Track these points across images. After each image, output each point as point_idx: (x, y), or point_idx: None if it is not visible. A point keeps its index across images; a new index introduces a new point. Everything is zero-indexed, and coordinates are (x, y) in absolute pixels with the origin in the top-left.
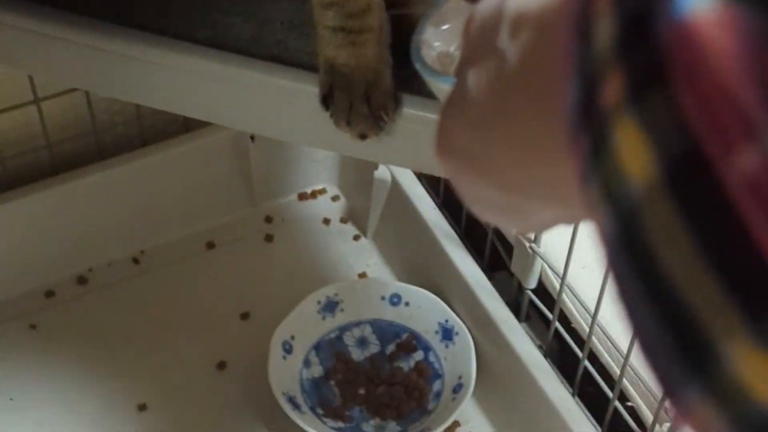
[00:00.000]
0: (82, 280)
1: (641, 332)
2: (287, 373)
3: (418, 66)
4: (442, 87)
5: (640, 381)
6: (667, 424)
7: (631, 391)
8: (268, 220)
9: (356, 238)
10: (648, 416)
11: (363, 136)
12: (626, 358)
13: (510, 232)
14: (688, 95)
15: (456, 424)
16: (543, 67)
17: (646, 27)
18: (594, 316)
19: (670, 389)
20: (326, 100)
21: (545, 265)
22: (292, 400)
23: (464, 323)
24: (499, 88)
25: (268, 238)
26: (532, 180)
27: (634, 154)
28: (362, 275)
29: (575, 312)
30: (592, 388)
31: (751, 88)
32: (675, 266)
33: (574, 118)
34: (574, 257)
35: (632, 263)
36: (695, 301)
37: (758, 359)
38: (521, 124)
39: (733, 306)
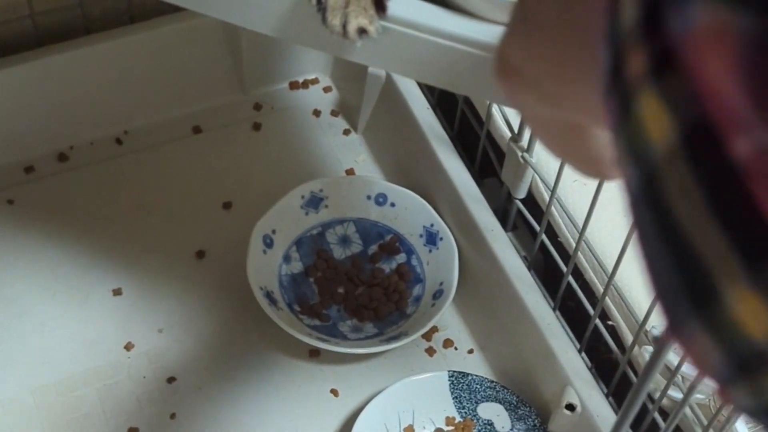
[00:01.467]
0: (63, 158)
1: (655, 272)
2: (266, 268)
3: None
4: None
5: (623, 301)
6: (647, 347)
7: (614, 311)
8: (257, 107)
9: (346, 132)
10: (628, 337)
11: (362, 31)
12: (611, 277)
13: (578, 169)
14: (693, 85)
15: (434, 329)
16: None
17: (661, 16)
18: (582, 232)
19: (674, 322)
20: None
21: (536, 176)
22: (269, 295)
23: (449, 228)
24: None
25: (256, 126)
26: (581, 96)
27: (655, 120)
28: (350, 171)
29: (563, 226)
30: (574, 304)
31: (740, 91)
32: (687, 218)
33: (606, 80)
34: (566, 169)
35: (651, 212)
36: (703, 248)
37: (753, 300)
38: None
39: (734, 254)
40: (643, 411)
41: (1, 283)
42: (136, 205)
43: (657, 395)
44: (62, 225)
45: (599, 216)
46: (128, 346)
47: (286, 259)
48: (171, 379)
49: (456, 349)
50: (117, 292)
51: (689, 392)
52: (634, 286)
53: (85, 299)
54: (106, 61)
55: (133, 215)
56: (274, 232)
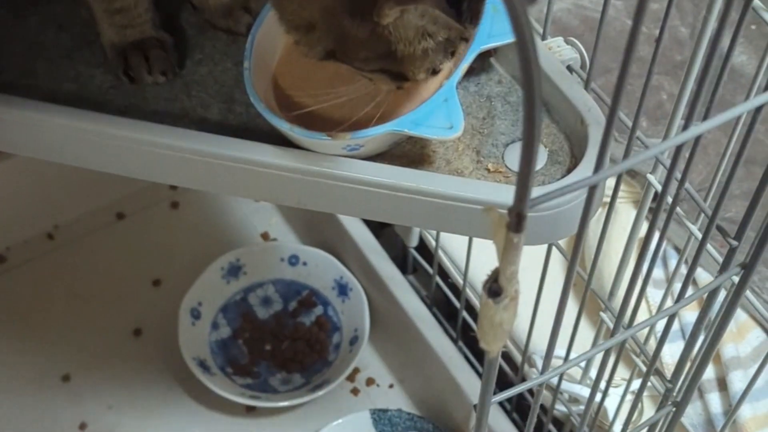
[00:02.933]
0: (1, 259)
1: None
2: (197, 338)
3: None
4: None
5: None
6: (534, 369)
7: (510, 347)
8: (173, 187)
9: (257, 200)
10: (518, 359)
11: (163, 74)
12: None
13: None
14: None
15: (356, 370)
16: None
17: None
18: (465, 273)
19: None
20: (126, 72)
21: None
22: (202, 363)
23: (357, 279)
24: None
25: (174, 205)
26: None
27: None
28: (264, 235)
29: (451, 268)
30: (474, 334)
31: None
32: None
33: None
34: None
35: None
36: None
37: None
38: None
39: None
40: (540, 425)
41: None
42: (74, 293)
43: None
44: (6, 322)
45: (479, 256)
46: (82, 426)
47: (214, 326)
48: None
49: (378, 386)
50: (66, 378)
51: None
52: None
53: (37, 389)
54: (28, 168)
55: (72, 303)
56: (200, 304)
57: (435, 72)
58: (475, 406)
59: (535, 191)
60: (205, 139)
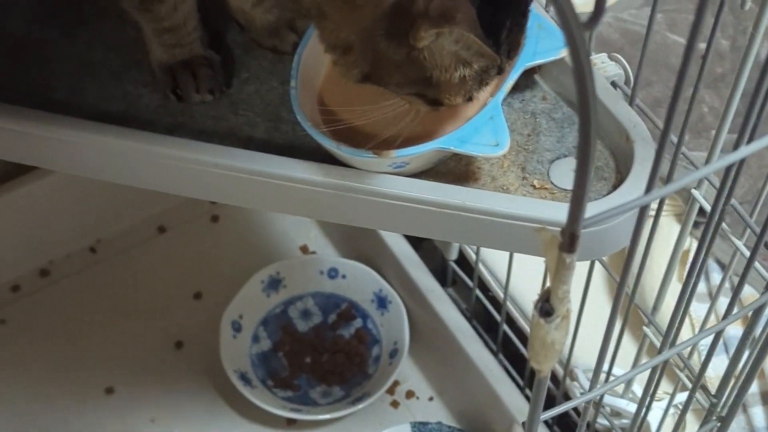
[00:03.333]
0: (44, 273)
1: None
2: (238, 351)
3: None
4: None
5: None
6: (575, 383)
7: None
8: (213, 201)
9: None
10: (560, 372)
11: (210, 92)
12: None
13: None
14: None
15: (396, 383)
16: None
17: None
18: (506, 286)
19: None
20: (174, 91)
21: None
22: (243, 376)
23: (396, 292)
24: None
25: (214, 218)
26: None
27: None
28: (303, 248)
29: (492, 281)
30: (514, 347)
31: None
32: None
33: None
34: None
35: None
36: None
37: None
38: None
39: None
40: None
41: (2, 398)
42: (116, 306)
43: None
44: (51, 335)
45: (519, 270)
46: None
47: (255, 339)
48: None
49: (418, 398)
50: (109, 391)
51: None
52: None
53: (81, 401)
54: (73, 182)
55: (114, 317)
56: (241, 317)
57: (470, 99)
58: (523, 423)
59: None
60: (251, 158)
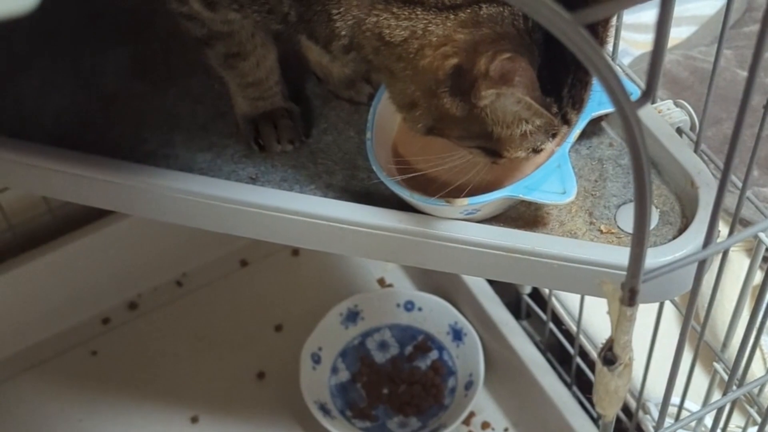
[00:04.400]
0: (133, 306)
1: None
2: (317, 382)
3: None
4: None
5: None
6: (648, 416)
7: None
8: (293, 245)
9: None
10: (632, 403)
11: (291, 142)
12: None
13: None
14: None
15: (471, 414)
16: None
17: None
18: (579, 319)
19: None
20: (257, 141)
21: None
22: (323, 407)
23: (471, 324)
24: None
25: (295, 252)
26: None
27: None
28: (381, 280)
29: (564, 315)
30: (587, 379)
31: None
32: None
33: None
34: None
35: None
36: None
37: None
38: None
39: None
40: None
41: (93, 427)
42: (200, 338)
43: None
44: (139, 365)
45: (591, 302)
46: None
47: (334, 370)
48: None
49: (493, 429)
50: (194, 420)
51: None
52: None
53: (166, 430)
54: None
55: (199, 348)
56: (320, 349)
57: (536, 151)
58: None
59: (648, 255)
60: (330, 205)
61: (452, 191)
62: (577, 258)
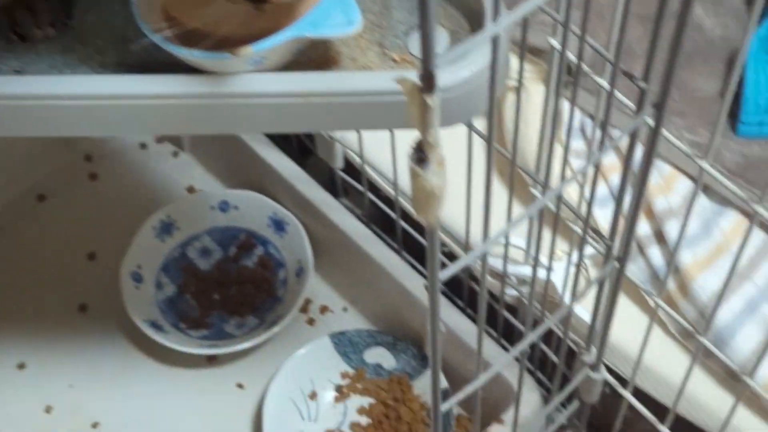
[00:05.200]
0: None
1: None
2: (143, 301)
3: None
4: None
5: (450, 233)
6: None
7: (453, 246)
8: (88, 158)
9: (175, 154)
10: (460, 254)
11: (52, 25)
12: None
13: None
14: None
15: (308, 301)
16: None
17: None
18: (395, 181)
19: None
20: (14, 31)
21: (344, 147)
22: (154, 324)
23: (291, 212)
24: None
25: (92, 176)
26: None
27: None
28: (190, 189)
29: (380, 181)
30: (414, 242)
31: None
32: None
33: None
34: (366, 133)
35: None
36: None
37: None
38: None
39: None
40: (493, 312)
41: None
42: (12, 282)
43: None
44: None
45: (406, 163)
46: (48, 409)
47: (158, 286)
48: (95, 424)
49: (332, 312)
50: (21, 366)
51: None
52: (455, 215)
53: None
54: None
55: (11, 293)
56: (139, 267)
57: None
58: (425, 287)
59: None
60: (107, 81)
61: (234, 42)
62: (376, 90)
